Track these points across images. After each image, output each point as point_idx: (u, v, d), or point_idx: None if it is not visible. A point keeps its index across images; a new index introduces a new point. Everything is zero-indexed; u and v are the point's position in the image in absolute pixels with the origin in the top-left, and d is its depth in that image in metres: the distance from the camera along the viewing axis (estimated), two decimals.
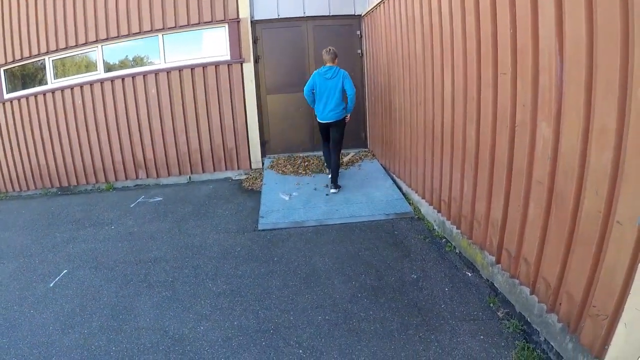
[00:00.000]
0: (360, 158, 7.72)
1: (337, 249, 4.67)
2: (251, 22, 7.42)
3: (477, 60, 3.75)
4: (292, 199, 6.11)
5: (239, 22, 7.28)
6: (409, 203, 5.82)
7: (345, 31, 7.79)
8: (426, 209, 5.36)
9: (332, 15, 7.74)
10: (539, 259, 3.02)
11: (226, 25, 7.30)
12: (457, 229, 4.46)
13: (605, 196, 2.30)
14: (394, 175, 6.69)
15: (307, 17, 7.68)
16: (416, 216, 5.47)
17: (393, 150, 6.58)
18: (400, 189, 6.33)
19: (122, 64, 7.72)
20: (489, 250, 3.80)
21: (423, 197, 5.40)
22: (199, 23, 7.23)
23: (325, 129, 6.59)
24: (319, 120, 6.52)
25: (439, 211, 4.90)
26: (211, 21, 7.23)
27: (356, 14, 7.81)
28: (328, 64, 6.28)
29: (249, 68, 7.44)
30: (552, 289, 2.82)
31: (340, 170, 6.85)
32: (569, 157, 2.61)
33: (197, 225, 5.58)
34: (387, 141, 6.91)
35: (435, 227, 5.05)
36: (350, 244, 4.76)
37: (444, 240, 4.74)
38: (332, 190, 6.43)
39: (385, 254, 4.52)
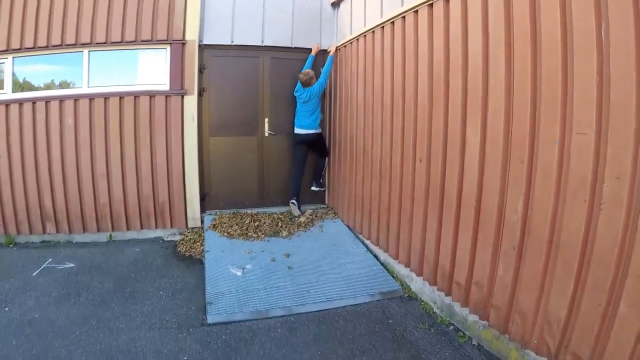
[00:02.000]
0: (321, 217, 6.84)
1: (324, 355, 3.64)
2: (199, 46, 6.40)
3: (531, 109, 3.08)
4: (246, 273, 5.01)
5: (184, 44, 6.23)
6: (393, 276, 5.04)
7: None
8: (419, 286, 4.67)
9: (295, 48, 6.96)
10: None
11: (168, 47, 6.23)
12: (480, 319, 3.71)
13: None
14: (366, 240, 5.91)
15: (265, 46, 6.83)
16: (406, 295, 4.72)
17: (367, 211, 5.82)
18: (376, 257, 5.55)
19: (36, 84, 6.29)
20: (537, 350, 3.12)
21: (419, 274, 4.64)
22: (135, 41, 6.08)
23: (300, 146, 6.98)
24: (296, 134, 6.98)
25: (448, 294, 4.15)
26: (151, 40, 6.12)
27: (322, 49, 7.07)
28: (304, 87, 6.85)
29: (191, 102, 6.35)
30: None
31: (299, 233, 6.24)
32: None
33: (122, 312, 4.26)
34: (357, 199, 6.14)
35: (437, 310, 4.35)
36: (339, 345, 3.77)
37: (452, 327, 4.05)
38: (313, 188, 7.36)
39: (388, 357, 3.60)
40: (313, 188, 7.34)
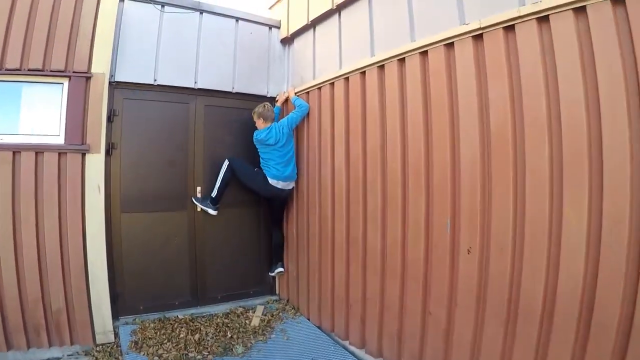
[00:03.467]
0: (277, 316, 5.21)
1: None
2: (110, 83, 4.65)
3: None
4: None
5: (89, 78, 4.41)
6: None
7: (251, 118, 5.42)
8: None
9: (236, 93, 5.53)
10: None
11: (66, 82, 4.35)
12: None
13: None
14: (353, 348, 4.48)
15: (198, 90, 5.27)
16: None
17: (358, 314, 4.44)
18: None
19: None
20: None
21: None
22: (19, 69, 4.09)
23: (275, 200, 5.59)
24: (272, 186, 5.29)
25: None
26: (42, 69, 4.19)
27: (269, 96, 5.74)
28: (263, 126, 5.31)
29: (95, 164, 4.46)
30: None
31: (257, 345, 4.58)
32: None
33: None
34: (338, 295, 4.76)
35: None
36: None
37: None
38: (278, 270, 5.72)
39: None
40: (278, 271, 5.67)
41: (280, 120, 5.28)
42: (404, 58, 3.89)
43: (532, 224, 2.88)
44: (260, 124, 5.25)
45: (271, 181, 5.22)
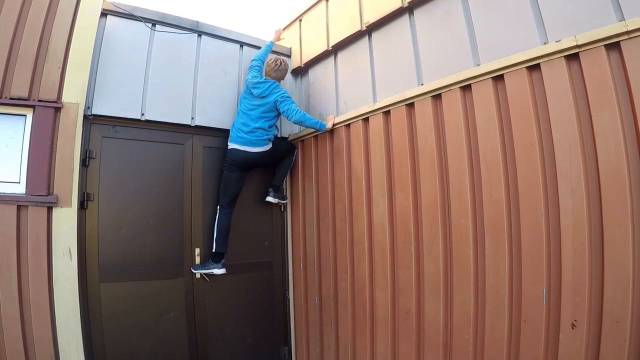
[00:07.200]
0: None
1: None
2: (85, 117, 3.76)
3: None
4: None
5: (58, 110, 3.53)
6: None
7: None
8: None
9: None
10: None
11: (30, 113, 3.47)
12: None
13: None
14: None
15: (196, 127, 4.42)
16: None
17: None
18: None
19: None
20: None
21: None
22: None
23: (239, 174, 4.47)
24: (229, 158, 4.45)
25: None
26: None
27: (280, 136, 4.93)
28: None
29: (65, 220, 3.51)
30: None
31: None
32: None
33: None
34: None
35: None
36: None
37: None
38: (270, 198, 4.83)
39: None
40: (269, 198, 4.78)
41: (285, 92, 4.47)
42: (469, 85, 3.17)
43: None
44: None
45: (229, 146, 4.43)
